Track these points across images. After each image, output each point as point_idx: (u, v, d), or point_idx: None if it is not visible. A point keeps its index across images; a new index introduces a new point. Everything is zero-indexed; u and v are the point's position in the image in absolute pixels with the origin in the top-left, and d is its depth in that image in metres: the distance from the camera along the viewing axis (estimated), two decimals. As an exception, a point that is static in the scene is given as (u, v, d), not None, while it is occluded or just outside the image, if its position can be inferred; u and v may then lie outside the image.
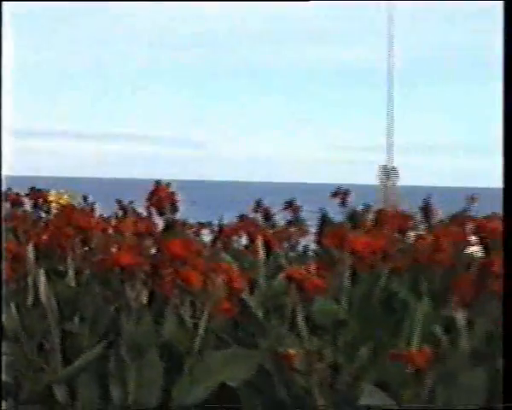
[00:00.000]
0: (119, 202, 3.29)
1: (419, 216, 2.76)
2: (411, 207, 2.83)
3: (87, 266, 2.23)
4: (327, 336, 1.98)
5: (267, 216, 2.97)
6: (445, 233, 2.18)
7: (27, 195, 3.23)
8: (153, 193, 2.23)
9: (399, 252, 2.28)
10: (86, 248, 2.31)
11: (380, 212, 2.59)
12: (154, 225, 2.37)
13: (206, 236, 3.12)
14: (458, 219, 2.58)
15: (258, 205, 3.00)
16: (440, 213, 2.81)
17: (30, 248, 2.17)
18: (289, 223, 2.98)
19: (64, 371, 1.98)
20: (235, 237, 2.87)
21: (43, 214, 3.18)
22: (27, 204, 3.19)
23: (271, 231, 2.77)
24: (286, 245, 2.78)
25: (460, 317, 1.81)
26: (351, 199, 2.74)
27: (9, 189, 3.22)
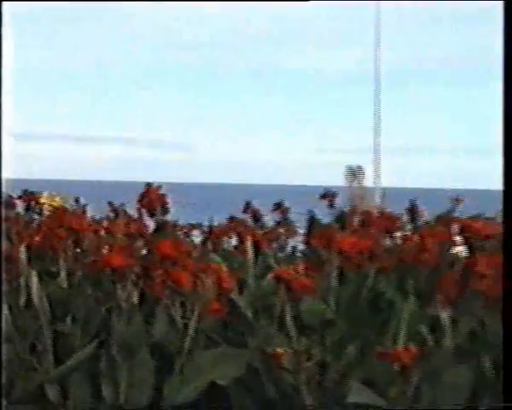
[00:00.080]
0: (110, 204, 3.31)
1: (405, 217, 2.79)
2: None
3: (79, 268, 2.24)
4: (315, 335, 2.00)
5: (256, 217, 3.01)
6: (431, 234, 2.21)
7: (20, 197, 3.25)
8: (143, 195, 2.26)
9: (386, 252, 2.31)
10: (78, 250, 2.33)
11: (367, 213, 2.62)
12: (145, 226, 2.40)
13: (197, 237, 3.15)
14: (444, 219, 2.62)
15: (248, 206, 3.03)
16: (426, 214, 2.85)
17: (22, 250, 2.19)
18: (278, 224, 3.02)
19: (56, 371, 1.99)
20: (225, 238, 2.90)
21: (36, 216, 3.20)
22: (20, 206, 3.22)
23: (261, 232, 2.80)
24: (275, 246, 2.81)
25: (445, 316, 1.84)
26: (338, 201, 2.77)
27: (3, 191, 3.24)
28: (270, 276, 2.16)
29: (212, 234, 2.97)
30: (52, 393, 1.98)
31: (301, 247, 2.78)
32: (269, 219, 3.09)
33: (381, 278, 2.18)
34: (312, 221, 2.68)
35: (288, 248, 2.92)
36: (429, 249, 2.15)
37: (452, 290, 1.84)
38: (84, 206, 3.64)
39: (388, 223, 2.51)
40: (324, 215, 2.79)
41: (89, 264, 2.14)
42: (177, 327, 1.91)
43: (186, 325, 1.90)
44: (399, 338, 1.90)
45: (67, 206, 3.57)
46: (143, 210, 2.28)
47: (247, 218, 3.02)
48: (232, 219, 3.03)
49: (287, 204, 3.12)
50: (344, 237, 2.11)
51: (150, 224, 2.34)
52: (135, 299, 1.95)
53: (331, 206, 2.71)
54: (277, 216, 3.05)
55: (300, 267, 1.94)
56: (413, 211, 2.81)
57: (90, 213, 3.33)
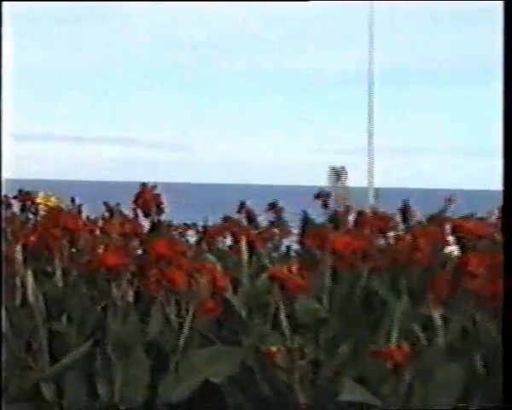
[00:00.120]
0: (106, 204, 3.32)
1: (398, 217, 2.81)
2: (388, 207, 2.88)
3: (74, 267, 2.25)
4: (309, 333, 2.02)
5: (250, 217, 3.02)
6: (423, 234, 2.23)
7: (15, 197, 3.26)
8: (138, 195, 2.27)
9: (379, 252, 2.33)
10: (73, 250, 2.34)
11: (360, 213, 2.64)
12: (140, 226, 2.41)
13: (192, 237, 3.16)
14: (436, 219, 2.63)
15: (242, 207, 3.05)
16: (419, 214, 2.86)
17: (18, 249, 2.20)
18: (272, 224, 3.03)
19: (51, 370, 2.00)
20: (219, 238, 2.91)
21: (31, 216, 3.21)
22: (15, 206, 3.23)
23: (255, 232, 2.81)
24: (269, 246, 2.83)
25: (437, 314, 1.86)
26: (332, 201, 2.78)
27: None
28: (264, 275, 2.17)
29: (206, 234, 2.98)
30: (47, 391, 1.99)
31: (295, 247, 2.80)
32: (263, 219, 3.11)
33: (374, 277, 2.19)
34: (306, 221, 2.69)
35: (283, 248, 2.94)
36: (422, 249, 2.16)
37: (444, 290, 1.85)
38: (80, 206, 3.65)
39: (381, 223, 2.53)
40: (319, 215, 2.80)
41: (84, 263, 2.15)
42: (171, 326, 1.92)
43: (181, 324, 1.91)
44: (392, 337, 1.92)
45: (63, 206, 3.58)
46: (139, 210, 2.30)
47: (242, 218, 3.04)
48: (226, 219, 3.05)
49: (282, 204, 3.14)
50: (337, 237, 2.13)
51: (146, 224, 2.35)
52: (130, 298, 1.97)
53: (325, 206, 2.72)
54: (271, 216, 3.07)
55: (294, 267, 1.95)
56: (405, 211, 2.82)
57: (85, 213, 3.34)
